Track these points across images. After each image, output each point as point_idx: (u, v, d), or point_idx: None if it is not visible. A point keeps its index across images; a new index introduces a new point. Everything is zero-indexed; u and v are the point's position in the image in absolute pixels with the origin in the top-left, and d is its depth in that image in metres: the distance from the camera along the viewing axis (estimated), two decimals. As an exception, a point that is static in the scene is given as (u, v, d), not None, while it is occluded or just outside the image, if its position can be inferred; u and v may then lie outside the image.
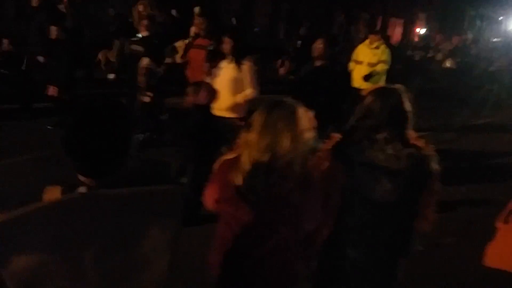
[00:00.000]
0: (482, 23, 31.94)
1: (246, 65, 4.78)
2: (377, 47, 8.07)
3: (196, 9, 9.20)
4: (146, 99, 5.87)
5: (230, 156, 1.91)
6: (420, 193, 2.05)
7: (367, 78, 7.61)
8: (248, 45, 10.82)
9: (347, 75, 6.07)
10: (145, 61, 5.86)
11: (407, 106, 2.01)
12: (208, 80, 4.98)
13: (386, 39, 14.47)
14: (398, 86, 2.07)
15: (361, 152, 1.95)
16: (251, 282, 1.96)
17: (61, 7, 8.27)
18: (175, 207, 1.45)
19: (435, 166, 2.00)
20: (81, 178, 1.40)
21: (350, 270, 2.09)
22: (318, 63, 4.89)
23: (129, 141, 1.41)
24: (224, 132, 4.14)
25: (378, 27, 23.35)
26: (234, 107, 4.82)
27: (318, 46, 4.78)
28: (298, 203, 1.83)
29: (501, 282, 3.65)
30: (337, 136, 2.07)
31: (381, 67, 7.88)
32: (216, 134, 4.04)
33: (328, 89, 4.62)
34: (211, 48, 6.14)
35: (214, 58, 5.72)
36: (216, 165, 1.95)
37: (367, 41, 8.26)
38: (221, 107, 4.64)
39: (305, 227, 1.92)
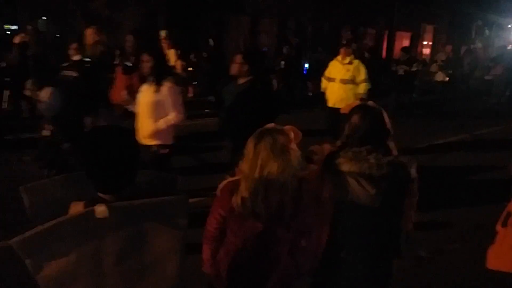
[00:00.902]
0: (490, 32, 31.88)
1: (166, 87, 4.22)
2: (350, 63, 7.28)
3: (163, 33, 9.17)
4: (45, 133, 5.23)
5: (232, 179, 2.12)
6: (402, 196, 2.26)
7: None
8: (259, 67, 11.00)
9: (270, 93, 5.28)
10: (44, 93, 5.06)
11: (386, 120, 2.25)
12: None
13: (370, 51, 14.02)
14: (371, 103, 2.31)
15: (347, 162, 2.17)
16: (256, 285, 2.15)
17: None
18: (182, 214, 1.68)
19: (413, 171, 2.21)
20: (101, 195, 1.64)
21: (344, 272, 2.27)
22: (240, 81, 4.47)
23: (137, 159, 1.66)
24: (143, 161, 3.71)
25: (384, 40, 23.48)
26: (156, 134, 4.29)
27: (236, 63, 4.38)
28: (294, 215, 2.05)
29: (504, 285, 3.75)
30: (327, 148, 2.30)
31: (363, 89, 7.20)
32: None
33: (250, 107, 4.25)
34: (128, 64, 5.87)
35: (129, 74, 5.47)
36: (219, 188, 2.14)
37: (339, 56, 7.37)
38: (143, 134, 4.26)
39: (302, 235, 2.13)
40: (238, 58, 4.42)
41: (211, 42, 12.73)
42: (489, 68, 15.29)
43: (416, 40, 24.31)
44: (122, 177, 1.63)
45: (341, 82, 7.25)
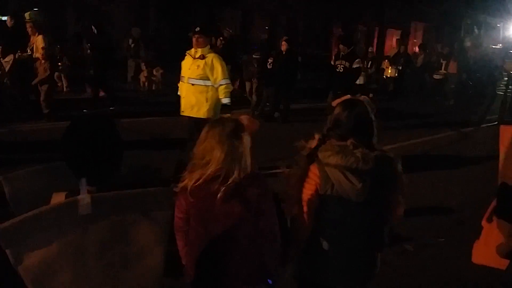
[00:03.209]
0: (479, 31, 32.16)
1: None
2: (201, 57, 5.37)
3: (27, 15, 7.81)
4: None
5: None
6: (387, 191, 2.26)
7: None
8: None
9: None
10: None
11: (371, 115, 2.26)
12: None
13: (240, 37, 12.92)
14: (363, 97, 2.31)
15: (334, 155, 2.17)
16: (224, 274, 2.16)
17: None
18: (165, 206, 1.67)
19: (399, 166, 2.22)
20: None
21: (327, 263, 2.28)
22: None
23: (120, 151, 1.64)
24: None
25: (375, 38, 23.62)
26: None
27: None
28: (249, 200, 2.07)
29: (488, 279, 3.81)
30: (316, 139, 2.30)
31: (222, 93, 5.42)
32: None
33: None
34: None
35: None
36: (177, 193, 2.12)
37: (192, 50, 5.52)
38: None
39: (260, 224, 2.13)
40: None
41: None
42: (440, 66, 14.39)
43: (406, 38, 24.46)
44: (104, 168, 1.61)
45: (189, 82, 5.48)
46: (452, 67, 13.94)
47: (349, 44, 9.56)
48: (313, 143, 2.28)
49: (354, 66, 9.15)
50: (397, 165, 2.22)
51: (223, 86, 5.42)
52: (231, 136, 2.04)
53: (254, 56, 10.80)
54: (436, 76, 14.26)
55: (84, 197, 1.49)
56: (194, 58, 5.42)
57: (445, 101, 13.87)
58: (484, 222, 3.97)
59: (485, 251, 3.83)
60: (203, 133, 2.10)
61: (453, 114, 12.02)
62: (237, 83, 11.59)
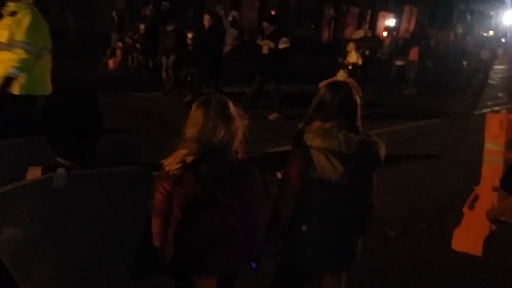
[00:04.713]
0: (472, 18, 32.21)
1: None
2: (12, 13, 3.89)
3: None
4: None
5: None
6: (370, 176, 2.26)
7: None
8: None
9: None
10: None
11: (356, 98, 2.22)
12: None
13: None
14: (349, 79, 2.28)
15: (317, 138, 2.15)
16: (207, 259, 2.14)
17: None
18: (143, 186, 1.64)
19: (382, 151, 2.20)
20: (60, 160, 1.58)
21: (307, 246, 2.27)
22: None
23: (100, 126, 1.59)
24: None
25: (368, 20, 23.51)
26: None
27: None
28: (233, 188, 2.04)
29: (467, 265, 3.86)
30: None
31: (16, 58, 3.78)
32: None
33: None
34: None
35: None
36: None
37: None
38: None
39: (247, 212, 2.11)
40: None
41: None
42: (402, 52, 12.88)
43: (397, 21, 24.37)
44: (83, 143, 1.57)
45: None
46: (413, 54, 12.66)
47: (274, 21, 8.21)
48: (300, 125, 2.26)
49: (281, 46, 7.88)
50: (380, 150, 2.20)
51: (19, 52, 3.81)
52: (219, 117, 1.98)
53: (167, 28, 9.47)
54: (398, 62, 12.92)
55: (59, 170, 1.46)
56: (5, 16, 3.96)
57: (405, 90, 12.76)
58: (465, 209, 4.03)
59: (465, 238, 3.89)
60: (192, 112, 2.03)
61: (409, 106, 11.22)
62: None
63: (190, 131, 1.99)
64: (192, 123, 1.99)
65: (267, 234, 2.26)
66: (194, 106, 2.04)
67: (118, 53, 10.67)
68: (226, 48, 9.62)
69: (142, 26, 10.53)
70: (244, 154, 2.32)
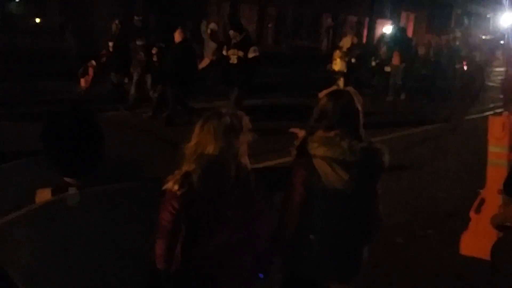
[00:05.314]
0: (469, 21, 32.31)
1: None
2: None
3: None
4: None
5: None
6: (374, 183, 2.26)
7: None
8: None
9: None
10: None
11: (358, 106, 2.23)
12: None
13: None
14: (349, 88, 2.30)
15: (321, 147, 2.15)
16: (217, 273, 2.12)
17: None
18: (149, 200, 1.64)
19: (386, 158, 2.21)
20: (67, 179, 1.58)
21: (313, 256, 2.27)
22: None
23: (101, 143, 1.60)
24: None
25: (365, 28, 23.61)
26: None
27: None
28: (241, 203, 2.03)
29: (475, 269, 3.83)
30: (301, 134, 2.28)
31: None
32: None
33: None
34: None
35: None
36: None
37: None
38: None
39: (257, 225, 2.11)
40: None
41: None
42: (389, 58, 12.65)
43: (361, 27, 24.40)
44: (87, 159, 1.58)
45: None
46: (396, 59, 12.39)
47: (240, 29, 7.74)
48: (301, 134, 2.26)
49: (250, 55, 7.46)
50: (384, 156, 2.20)
51: None
52: (227, 132, 1.96)
53: (137, 42, 9.13)
54: (386, 69, 12.70)
55: (71, 190, 1.47)
56: None
57: (388, 97, 12.45)
58: (472, 214, 4.02)
59: (473, 242, 3.88)
60: (197, 126, 2.02)
61: (406, 112, 11.08)
62: None
63: (191, 146, 1.99)
64: (193, 138, 2.00)
65: (274, 245, 2.26)
66: (200, 120, 2.03)
67: (91, 71, 9.90)
68: (205, 62, 9.11)
69: (110, 44, 9.79)
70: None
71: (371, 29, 22.64)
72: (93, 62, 9.87)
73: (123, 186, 1.57)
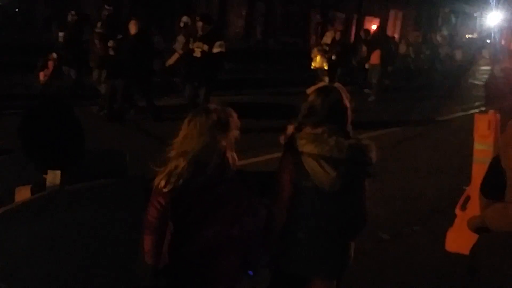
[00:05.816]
0: (457, 20, 32.55)
1: None
2: None
3: None
4: None
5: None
6: (362, 180, 2.26)
7: None
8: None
9: None
10: None
11: (346, 102, 2.22)
12: None
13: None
14: (337, 84, 2.28)
15: (309, 144, 2.13)
16: (206, 271, 2.11)
17: None
18: (135, 196, 1.60)
19: (373, 154, 2.20)
20: (45, 176, 1.54)
21: (301, 252, 2.26)
22: None
23: (81, 136, 1.56)
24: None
25: (354, 25, 23.62)
26: None
27: None
28: (228, 199, 2.02)
29: (461, 266, 3.86)
30: (289, 130, 2.26)
31: None
32: None
33: None
34: None
35: None
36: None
37: None
38: None
39: (246, 222, 2.10)
40: None
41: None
42: (369, 56, 12.11)
43: (384, 25, 24.55)
44: (66, 153, 1.53)
45: None
46: (374, 57, 11.82)
47: (209, 21, 7.21)
48: (289, 131, 2.25)
49: (215, 50, 6.98)
50: (372, 153, 2.19)
51: None
52: (214, 128, 1.95)
53: (96, 30, 8.47)
54: (367, 66, 12.31)
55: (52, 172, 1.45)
56: None
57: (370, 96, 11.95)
58: (457, 210, 4.03)
59: (458, 239, 3.89)
60: (185, 122, 2.01)
61: (391, 111, 10.87)
62: None
63: (178, 142, 1.97)
64: (180, 134, 1.98)
65: (263, 241, 2.24)
66: (188, 115, 2.03)
67: (50, 65, 9.27)
68: (174, 57, 8.42)
69: (60, 34, 9.24)
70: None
71: (359, 26, 22.67)
72: (54, 55, 9.26)
73: (107, 183, 1.54)
